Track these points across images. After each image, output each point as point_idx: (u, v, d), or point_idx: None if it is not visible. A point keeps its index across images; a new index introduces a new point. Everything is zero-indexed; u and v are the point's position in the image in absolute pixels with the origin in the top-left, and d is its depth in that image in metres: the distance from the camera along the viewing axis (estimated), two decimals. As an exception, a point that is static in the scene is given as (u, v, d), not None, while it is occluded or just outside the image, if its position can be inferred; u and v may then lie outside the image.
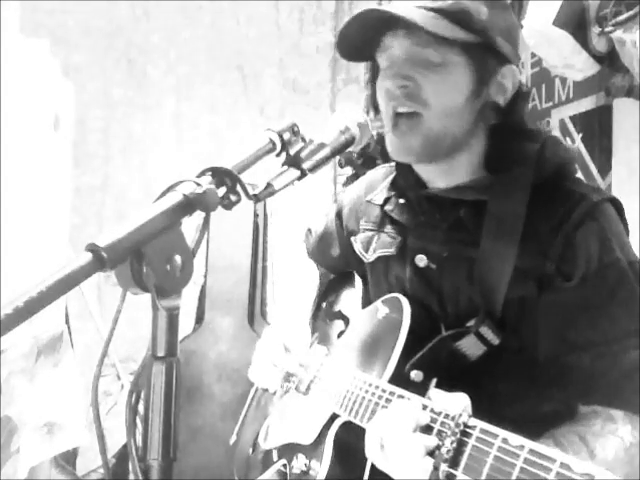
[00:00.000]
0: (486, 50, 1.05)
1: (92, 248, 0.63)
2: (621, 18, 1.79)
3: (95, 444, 0.71)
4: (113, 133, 3.16)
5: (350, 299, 1.34)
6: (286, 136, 0.87)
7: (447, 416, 0.85)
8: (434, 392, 0.90)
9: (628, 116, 2.02)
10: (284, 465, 1.17)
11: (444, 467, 0.81)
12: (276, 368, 1.27)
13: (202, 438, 2.68)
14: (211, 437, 2.67)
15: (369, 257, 1.24)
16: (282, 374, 1.26)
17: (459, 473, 0.80)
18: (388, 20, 1.03)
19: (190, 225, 0.75)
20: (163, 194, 0.73)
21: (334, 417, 1.10)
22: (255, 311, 2.97)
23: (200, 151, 3.19)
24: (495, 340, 1.02)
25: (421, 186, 1.17)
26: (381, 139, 1.14)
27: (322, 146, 0.92)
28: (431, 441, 0.85)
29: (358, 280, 1.35)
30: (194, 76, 3.27)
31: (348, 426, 1.06)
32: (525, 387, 1.06)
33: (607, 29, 1.83)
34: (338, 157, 2.59)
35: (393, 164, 1.25)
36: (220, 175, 0.77)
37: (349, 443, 1.02)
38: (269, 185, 0.85)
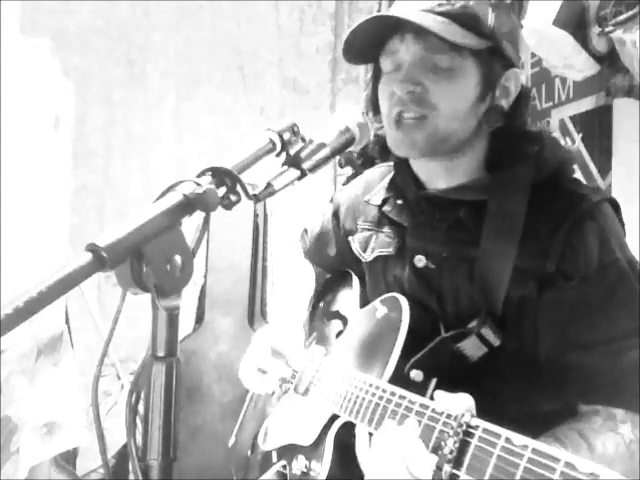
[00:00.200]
0: (493, 54, 1.05)
1: (92, 248, 0.64)
2: (621, 18, 1.79)
3: (95, 444, 0.71)
4: (113, 133, 3.15)
5: (347, 299, 1.34)
6: (286, 136, 0.87)
7: (449, 416, 0.85)
8: (438, 393, 0.89)
9: (628, 116, 2.02)
10: (284, 466, 1.17)
11: (447, 467, 0.80)
12: (264, 374, 1.27)
13: (202, 438, 2.68)
14: (211, 437, 2.67)
15: (367, 257, 1.24)
16: (277, 378, 1.26)
17: (462, 473, 0.79)
18: (395, 24, 1.03)
19: (190, 225, 0.75)
20: (163, 194, 0.73)
21: (334, 418, 1.10)
22: (255, 311, 2.97)
23: (200, 151, 3.18)
24: (496, 341, 1.02)
25: (419, 187, 1.17)
26: (380, 139, 1.14)
27: (322, 146, 0.92)
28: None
29: (355, 280, 1.35)
30: (194, 76, 3.27)
31: (348, 427, 1.06)
32: (525, 387, 1.06)
33: (607, 29, 1.83)
34: (338, 157, 2.59)
35: (391, 164, 1.25)
36: (220, 175, 0.78)
37: (349, 444, 1.02)
38: (269, 185, 0.85)
